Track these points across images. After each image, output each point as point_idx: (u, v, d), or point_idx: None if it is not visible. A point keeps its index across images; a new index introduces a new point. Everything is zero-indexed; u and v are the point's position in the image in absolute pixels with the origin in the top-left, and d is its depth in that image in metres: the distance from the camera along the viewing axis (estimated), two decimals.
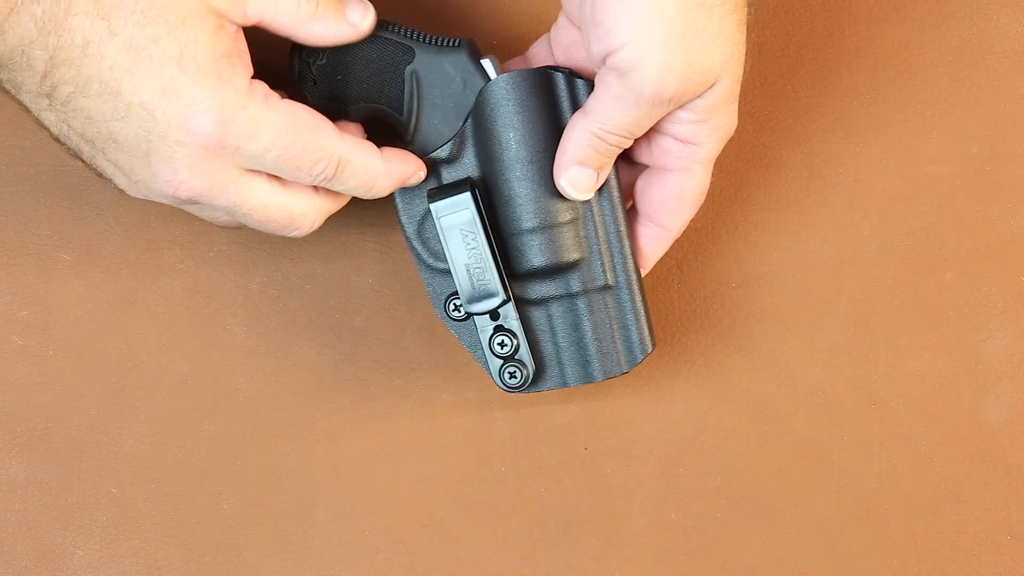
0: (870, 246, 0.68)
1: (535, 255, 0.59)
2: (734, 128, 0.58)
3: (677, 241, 0.67)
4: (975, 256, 0.68)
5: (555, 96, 0.58)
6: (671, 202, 0.60)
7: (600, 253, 0.60)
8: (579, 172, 0.58)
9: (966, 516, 0.68)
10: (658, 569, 0.67)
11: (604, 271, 0.60)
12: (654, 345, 0.61)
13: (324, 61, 0.59)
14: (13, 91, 0.53)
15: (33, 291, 0.65)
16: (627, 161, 0.61)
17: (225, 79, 0.53)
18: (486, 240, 0.58)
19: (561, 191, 0.58)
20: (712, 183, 0.64)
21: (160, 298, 0.65)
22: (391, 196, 0.60)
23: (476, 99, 0.58)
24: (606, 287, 0.60)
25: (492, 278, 0.58)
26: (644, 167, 0.60)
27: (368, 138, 0.59)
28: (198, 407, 0.65)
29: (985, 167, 0.68)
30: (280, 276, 0.66)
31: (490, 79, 0.58)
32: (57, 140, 0.55)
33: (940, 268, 0.68)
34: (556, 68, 0.59)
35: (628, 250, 0.60)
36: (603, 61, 0.54)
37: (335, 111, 0.59)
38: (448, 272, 0.60)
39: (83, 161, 0.56)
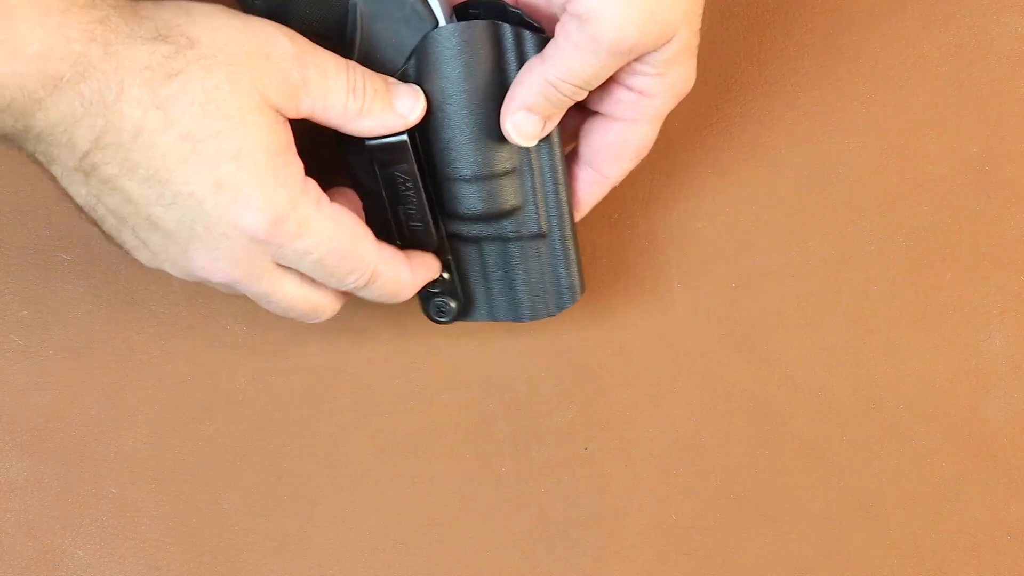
0: (870, 246, 0.68)
1: (471, 203, 0.59)
2: (691, 84, 0.57)
3: (677, 242, 0.67)
4: (975, 256, 0.68)
5: (502, 48, 0.57)
6: (613, 150, 0.59)
7: (535, 202, 0.60)
8: (525, 117, 0.57)
9: (966, 516, 0.68)
10: (658, 569, 0.67)
11: (538, 219, 0.60)
12: (583, 291, 0.61)
13: None
14: (45, 162, 0.52)
15: (33, 291, 0.65)
16: (576, 105, 0.59)
17: (280, 179, 0.52)
18: (422, 186, 0.57)
19: (505, 134, 0.57)
20: (711, 183, 0.64)
21: (160, 298, 0.65)
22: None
23: (419, 42, 0.57)
24: (539, 235, 0.60)
25: (424, 222, 0.58)
26: (591, 112, 0.60)
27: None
28: (198, 407, 0.65)
29: (985, 167, 0.68)
30: None
31: (437, 22, 0.57)
32: (79, 208, 0.54)
33: (940, 268, 0.68)
34: (504, 11, 0.57)
35: (564, 198, 0.60)
36: (564, 7, 0.53)
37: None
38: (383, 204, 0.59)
39: (100, 229, 0.55)
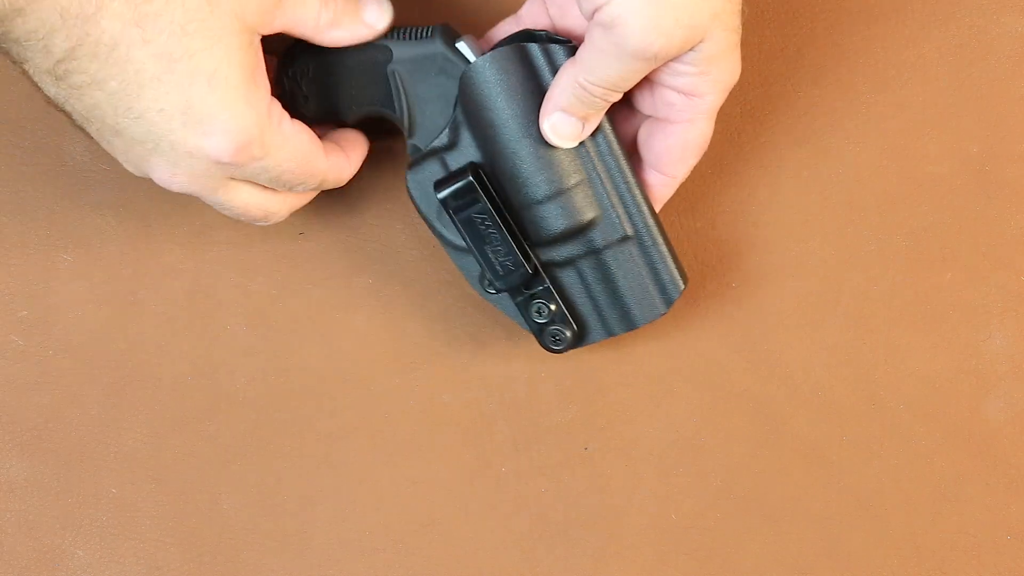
0: (870, 246, 0.68)
1: (551, 222, 0.60)
2: (737, 76, 0.58)
3: (678, 241, 0.67)
4: (975, 256, 0.68)
5: (534, 67, 0.58)
6: (675, 152, 0.60)
7: (613, 206, 0.60)
8: (562, 119, 0.57)
9: (966, 516, 0.68)
10: (658, 569, 0.67)
11: (621, 223, 0.61)
12: (686, 282, 0.62)
13: (311, 75, 0.60)
14: (18, 60, 0.53)
15: (33, 291, 0.65)
16: (631, 110, 0.61)
17: (250, 100, 0.54)
18: (500, 220, 0.59)
19: (544, 136, 0.58)
20: (712, 183, 0.64)
21: (160, 298, 0.65)
22: (405, 189, 0.62)
23: (459, 85, 0.59)
24: (626, 238, 0.61)
25: (513, 254, 0.59)
26: (646, 117, 0.61)
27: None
28: (198, 407, 0.65)
29: (985, 167, 0.68)
30: (280, 276, 0.66)
31: (469, 62, 0.59)
32: (47, 99, 0.55)
33: (940, 268, 0.68)
34: (531, 35, 0.59)
35: (640, 199, 0.61)
36: (591, 16, 0.54)
37: (334, 121, 0.61)
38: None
39: (68, 118, 0.56)
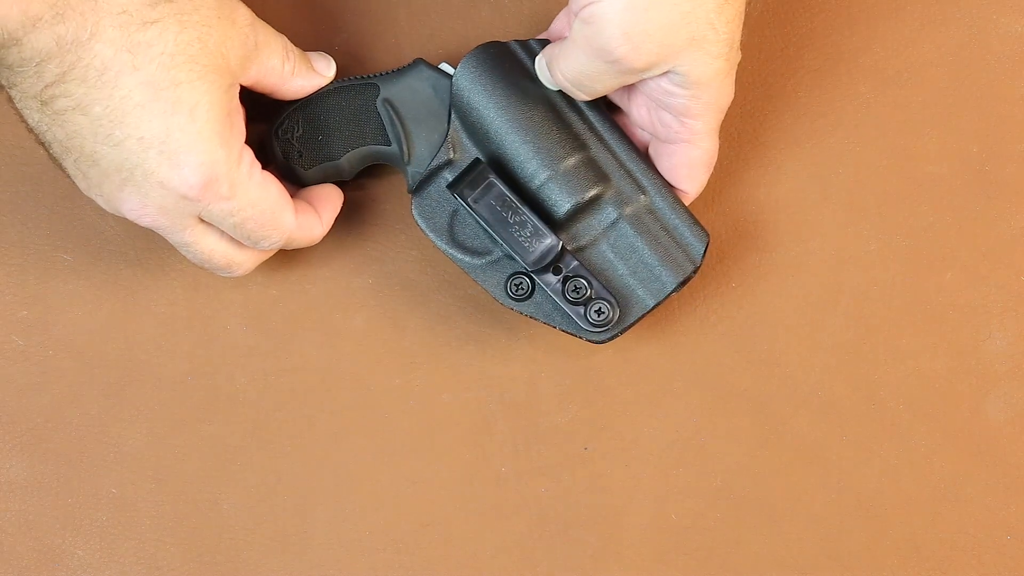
0: (870, 246, 0.68)
1: (564, 198, 0.61)
2: (730, 100, 0.60)
3: None
4: (975, 256, 0.68)
5: (516, 59, 0.62)
6: (682, 170, 0.62)
7: (621, 175, 0.62)
8: (540, 64, 0.61)
9: (966, 516, 0.67)
10: (658, 569, 0.67)
11: (631, 188, 0.62)
12: (707, 234, 0.62)
13: (301, 131, 0.62)
14: (6, 85, 0.53)
15: (33, 291, 0.65)
16: (638, 132, 0.63)
17: (225, 138, 0.55)
18: (516, 198, 0.60)
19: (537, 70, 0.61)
20: (711, 183, 0.64)
21: (160, 298, 0.65)
22: (408, 213, 0.63)
23: (451, 93, 0.61)
24: (640, 204, 0.62)
25: (538, 227, 0.60)
26: (651, 138, 0.63)
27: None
28: (198, 407, 0.65)
29: (985, 167, 0.68)
30: (280, 276, 0.66)
31: (451, 76, 0.62)
32: (29, 129, 0.55)
33: (940, 268, 0.68)
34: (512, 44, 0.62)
35: (644, 165, 0.62)
36: (578, 12, 0.56)
37: (332, 172, 0.63)
38: (495, 262, 0.62)
39: (47, 152, 0.56)
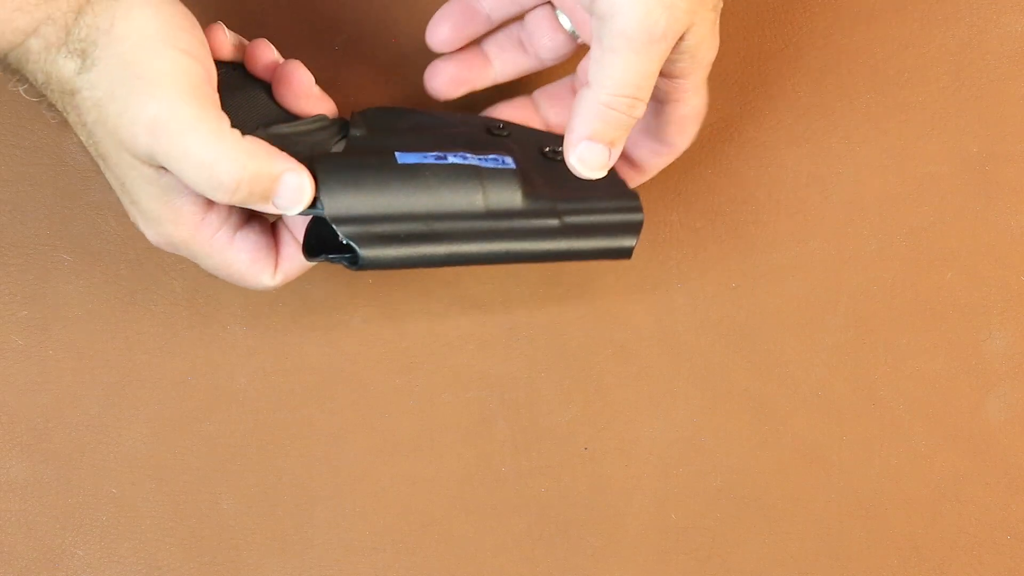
0: (870, 246, 0.68)
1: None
2: (716, 50, 0.56)
3: (677, 241, 0.67)
4: (975, 256, 0.68)
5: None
6: (671, 127, 0.59)
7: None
8: (588, 148, 0.55)
9: (966, 516, 0.68)
10: (658, 569, 0.67)
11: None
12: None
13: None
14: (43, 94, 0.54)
15: (33, 291, 0.65)
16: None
17: (174, 217, 0.54)
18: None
19: (571, 169, 0.56)
20: (711, 183, 0.64)
21: (160, 298, 0.65)
22: None
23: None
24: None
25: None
26: None
27: None
28: (198, 407, 0.65)
29: (985, 167, 0.68)
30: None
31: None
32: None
33: (940, 268, 0.68)
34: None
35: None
36: (591, 9, 0.52)
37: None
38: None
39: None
